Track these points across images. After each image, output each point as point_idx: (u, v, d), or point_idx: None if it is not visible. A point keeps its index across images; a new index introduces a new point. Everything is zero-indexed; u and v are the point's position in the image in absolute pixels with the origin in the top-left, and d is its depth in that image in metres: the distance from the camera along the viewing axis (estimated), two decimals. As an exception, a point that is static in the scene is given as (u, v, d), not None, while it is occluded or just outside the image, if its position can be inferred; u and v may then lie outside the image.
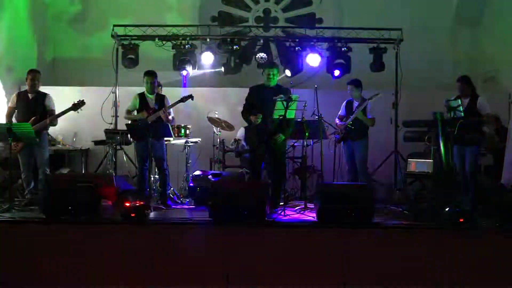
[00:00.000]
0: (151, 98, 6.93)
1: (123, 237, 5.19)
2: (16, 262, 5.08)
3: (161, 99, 6.94)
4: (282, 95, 6.28)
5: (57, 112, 6.73)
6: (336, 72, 8.43)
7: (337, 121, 7.39)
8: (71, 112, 6.71)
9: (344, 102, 7.42)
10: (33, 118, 6.54)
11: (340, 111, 7.44)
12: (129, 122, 6.95)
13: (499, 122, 7.79)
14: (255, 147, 6.51)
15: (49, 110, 6.71)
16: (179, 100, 6.88)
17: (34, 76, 6.74)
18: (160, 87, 7.59)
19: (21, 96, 6.79)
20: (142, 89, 7.04)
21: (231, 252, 5.06)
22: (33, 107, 6.66)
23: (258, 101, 6.42)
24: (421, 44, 9.60)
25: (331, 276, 5.02)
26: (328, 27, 9.16)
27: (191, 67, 8.50)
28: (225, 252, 5.06)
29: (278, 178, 6.41)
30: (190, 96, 6.88)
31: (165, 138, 7.00)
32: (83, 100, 6.71)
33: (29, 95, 6.74)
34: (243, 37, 9.03)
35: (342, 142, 7.26)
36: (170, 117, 6.92)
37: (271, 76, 6.45)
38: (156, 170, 7.18)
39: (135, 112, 6.96)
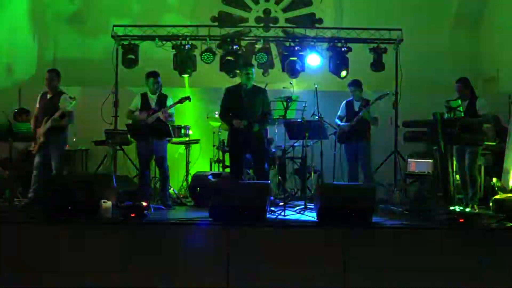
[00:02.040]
0: (153, 98, 6.93)
1: (123, 237, 5.19)
2: (16, 262, 5.08)
3: (163, 99, 6.92)
4: (282, 96, 6.30)
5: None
6: (343, 73, 8.43)
7: (337, 121, 7.38)
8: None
9: (343, 103, 7.40)
10: (45, 118, 6.52)
11: (340, 112, 7.42)
12: (129, 122, 6.95)
13: (499, 123, 7.79)
14: (234, 150, 6.54)
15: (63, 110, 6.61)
16: (177, 102, 6.86)
17: (47, 75, 6.66)
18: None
19: (43, 96, 6.72)
20: (143, 89, 7.04)
21: (231, 252, 5.06)
22: (48, 107, 6.59)
23: (236, 102, 6.44)
24: (421, 44, 9.60)
25: (331, 276, 5.02)
26: (328, 27, 9.16)
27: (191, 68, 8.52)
28: (225, 252, 5.06)
29: (260, 179, 6.43)
30: (188, 98, 6.86)
31: (168, 138, 6.98)
32: (74, 96, 6.60)
33: (48, 95, 6.70)
34: (243, 37, 9.02)
35: (344, 143, 7.23)
36: (171, 118, 6.90)
37: (251, 75, 6.47)
38: (157, 170, 7.17)
39: (137, 112, 6.93)
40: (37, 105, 6.71)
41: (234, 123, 6.39)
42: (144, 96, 6.96)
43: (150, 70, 7.05)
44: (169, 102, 6.90)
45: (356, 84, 7.27)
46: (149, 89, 6.95)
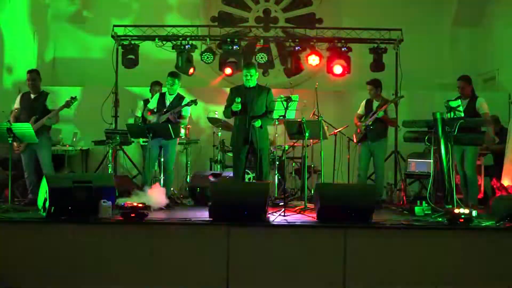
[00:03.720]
0: (170, 98, 6.93)
1: (123, 237, 5.19)
2: (16, 262, 5.08)
3: (178, 100, 6.91)
4: (282, 95, 6.30)
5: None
6: (338, 70, 8.39)
7: (356, 120, 7.31)
8: (71, 112, 6.70)
9: (364, 101, 7.33)
10: (33, 118, 6.53)
11: (359, 110, 7.34)
12: (131, 122, 6.95)
13: (498, 123, 7.78)
14: (237, 148, 6.55)
15: (50, 110, 6.68)
16: (184, 104, 6.85)
17: (29, 76, 6.75)
18: (159, 87, 7.65)
19: (24, 96, 6.79)
20: (143, 89, 7.04)
21: (231, 252, 5.06)
22: (34, 107, 6.64)
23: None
24: (421, 44, 9.61)
25: (331, 276, 5.03)
26: (328, 27, 9.15)
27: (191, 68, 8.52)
28: (225, 252, 5.06)
29: (259, 179, 6.43)
30: (194, 101, 6.87)
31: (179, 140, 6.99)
32: (76, 96, 6.68)
33: (32, 95, 6.74)
34: (243, 37, 9.02)
35: (360, 142, 7.20)
36: (180, 120, 6.91)
37: (249, 77, 6.48)
38: (158, 170, 7.16)
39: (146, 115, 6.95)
40: (18, 106, 6.74)
41: (232, 108, 6.38)
42: (162, 95, 6.98)
43: (171, 71, 7.05)
44: (184, 104, 6.89)
45: (372, 83, 7.19)
46: (167, 89, 6.97)
